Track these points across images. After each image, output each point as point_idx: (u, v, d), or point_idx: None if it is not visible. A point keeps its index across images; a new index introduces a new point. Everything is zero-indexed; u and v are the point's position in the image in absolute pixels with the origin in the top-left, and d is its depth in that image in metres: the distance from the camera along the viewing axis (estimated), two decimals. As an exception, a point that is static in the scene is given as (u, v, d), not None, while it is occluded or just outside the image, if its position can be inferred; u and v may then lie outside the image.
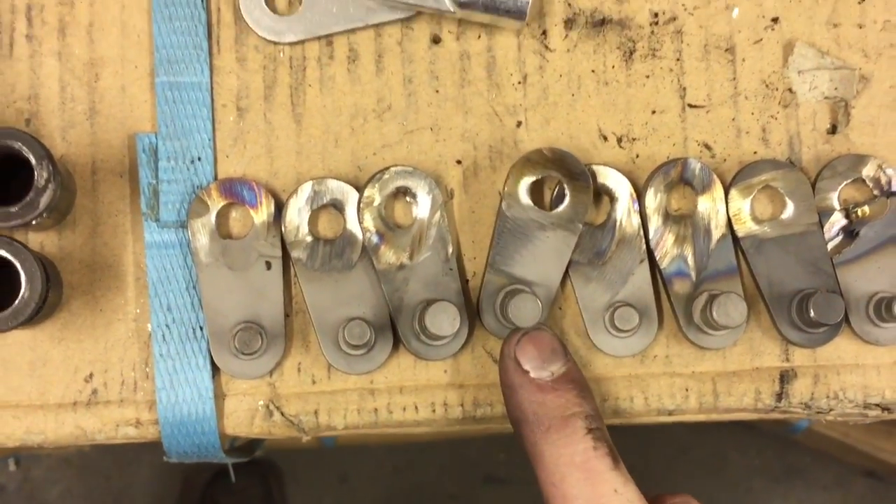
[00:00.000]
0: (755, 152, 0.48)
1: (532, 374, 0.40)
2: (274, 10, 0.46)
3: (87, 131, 0.45)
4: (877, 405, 0.48)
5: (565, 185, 0.45)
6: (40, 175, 0.39)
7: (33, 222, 0.40)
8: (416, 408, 0.46)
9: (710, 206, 0.47)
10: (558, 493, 0.38)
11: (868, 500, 1.23)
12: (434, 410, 0.46)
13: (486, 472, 1.19)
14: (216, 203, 0.45)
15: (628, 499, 0.38)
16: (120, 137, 0.45)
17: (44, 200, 0.39)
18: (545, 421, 0.39)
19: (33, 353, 0.44)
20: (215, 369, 0.45)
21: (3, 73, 0.45)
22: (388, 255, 0.45)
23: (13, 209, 0.39)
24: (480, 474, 1.19)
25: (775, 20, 0.49)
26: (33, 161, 0.39)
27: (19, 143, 0.39)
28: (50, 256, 0.44)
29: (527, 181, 0.45)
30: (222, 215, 0.45)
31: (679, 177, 0.47)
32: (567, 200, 0.45)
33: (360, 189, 0.46)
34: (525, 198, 0.45)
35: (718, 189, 0.47)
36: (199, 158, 0.45)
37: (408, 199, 0.46)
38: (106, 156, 0.45)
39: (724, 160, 0.48)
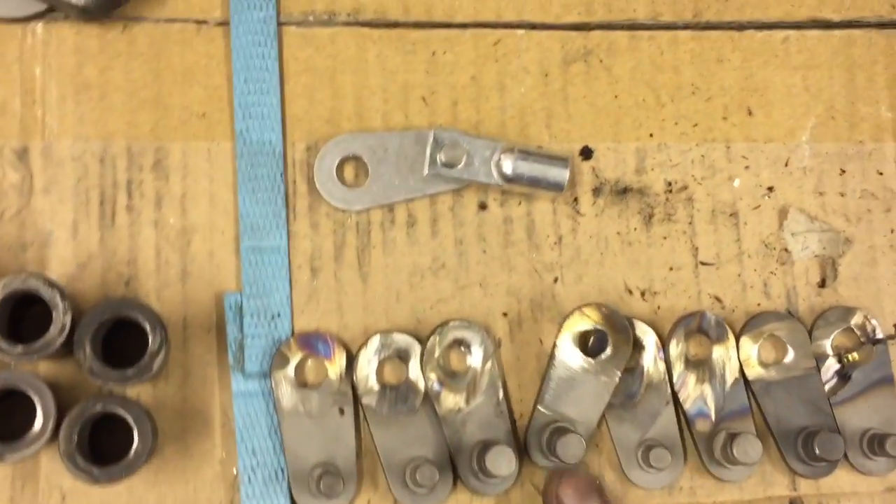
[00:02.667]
0: (759, 304, 0.55)
1: None
2: (343, 182, 0.52)
3: (179, 291, 0.50)
4: (871, 526, 0.54)
5: (608, 337, 0.52)
6: (154, 341, 0.43)
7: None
8: (471, 537, 0.51)
9: (724, 353, 0.53)
10: None
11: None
12: (487, 539, 0.51)
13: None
14: (295, 355, 0.50)
15: None
16: (208, 296, 0.50)
17: (157, 364, 0.43)
18: None
19: (130, 496, 0.48)
20: (291, 505, 0.49)
21: (106, 241, 0.50)
22: (448, 401, 0.50)
23: (129, 372, 0.43)
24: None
25: (770, 189, 0.56)
26: (148, 328, 0.43)
27: (136, 313, 0.43)
28: (146, 406, 0.48)
29: (576, 331, 0.51)
30: (300, 366, 0.50)
31: (697, 328, 0.53)
32: (610, 350, 0.51)
33: (420, 340, 0.51)
34: (574, 345, 0.51)
35: (730, 339, 0.53)
36: (279, 314, 0.50)
37: (462, 349, 0.52)
38: (196, 313, 0.50)
39: (733, 311, 0.55)
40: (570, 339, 0.51)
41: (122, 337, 0.46)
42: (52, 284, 0.43)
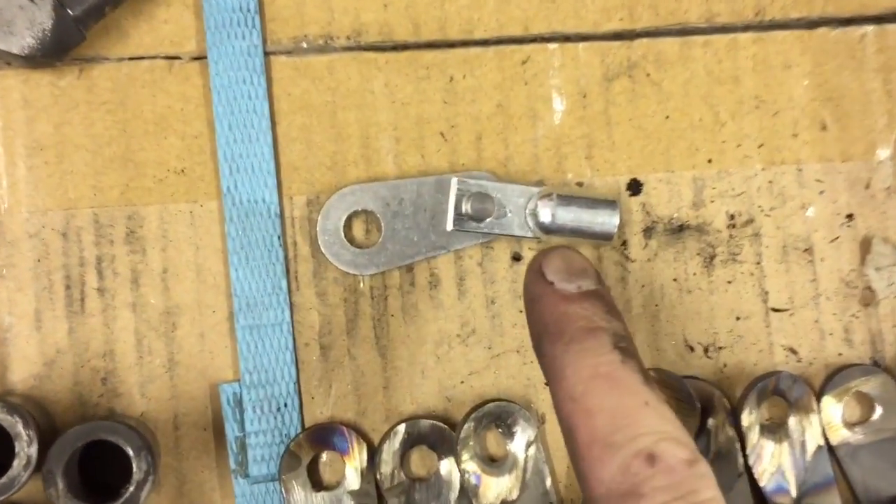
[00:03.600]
0: (840, 353, 0.47)
1: (557, 286, 0.34)
2: (353, 242, 0.44)
3: (167, 384, 0.43)
4: None
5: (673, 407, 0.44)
6: (139, 469, 0.36)
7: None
8: None
9: (803, 417, 0.45)
10: (579, 408, 0.31)
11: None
12: None
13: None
14: (307, 453, 0.42)
15: (661, 413, 0.31)
16: (201, 388, 0.43)
17: (142, 493, 0.36)
18: (568, 332, 0.33)
19: None
20: None
21: (76, 331, 0.42)
22: (488, 495, 0.43)
23: (113, 508, 0.36)
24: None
25: (850, 217, 0.48)
26: (132, 454, 0.36)
27: (116, 436, 0.36)
28: (135, 522, 0.41)
29: None
30: (314, 465, 0.42)
31: (773, 390, 0.46)
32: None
33: (451, 423, 0.44)
34: None
35: (811, 400, 0.46)
36: (286, 405, 0.43)
37: (500, 430, 0.44)
38: (188, 409, 0.43)
39: (811, 363, 0.47)
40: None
41: (101, 451, 0.39)
42: (12, 409, 0.36)
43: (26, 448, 0.35)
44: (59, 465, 0.35)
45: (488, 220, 0.43)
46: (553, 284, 0.34)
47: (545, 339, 0.34)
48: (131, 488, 0.36)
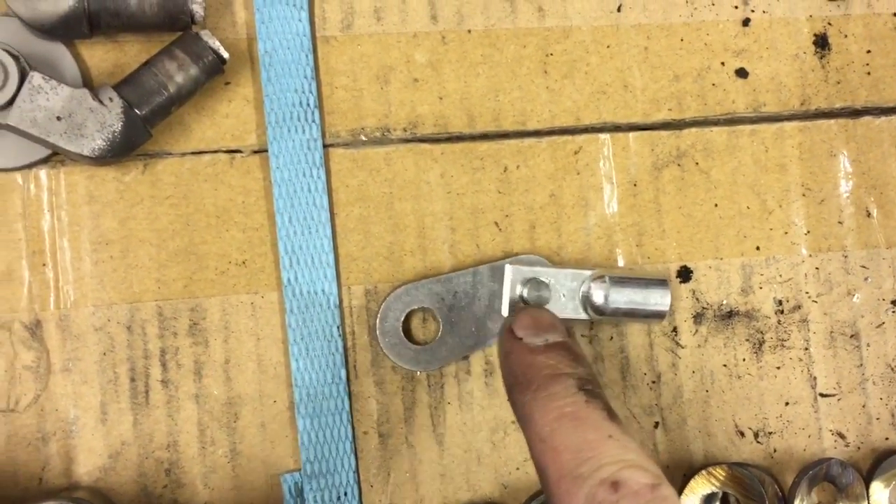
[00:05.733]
0: (887, 438, 0.47)
1: (525, 340, 0.37)
2: (410, 336, 0.44)
3: (229, 475, 0.43)
4: None
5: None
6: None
7: None
8: None
9: (853, 503, 0.46)
10: (547, 447, 0.33)
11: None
12: None
13: None
14: (367, 543, 0.43)
15: (624, 444, 0.32)
16: (262, 478, 0.43)
17: None
18: (535, 380, 0.35)
19: None
20: None
21: (141, 423, 0.42)
22: (545, 584, 0.44)
23: None
24: None
25: (894, 303, 0.49)
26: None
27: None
28: None
29: (703, 492, 0.44)
30: (374, 555, 0.43)
31: (823, 477, 0.46)
32: None
33: (507, 510, 0.44)
34: None
35: (860, 486, 0.46)
36: (346, 493, 0.43)
37: (557, 518, 0.45)
38: (250, 499, 0.43)
39: (858, 448, 0.47)
40: (698, 499, 0.44)
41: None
42: (83, 511, 0.36)
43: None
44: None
45: (546, 305, 0.44)
46: (522, 339, 0.37)
47: (515, 388, 0.36)
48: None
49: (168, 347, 0.42)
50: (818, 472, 0.45)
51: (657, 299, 0.44)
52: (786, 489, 0.45)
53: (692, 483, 0.44)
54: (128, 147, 0.40)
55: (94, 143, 0.40)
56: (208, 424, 0.42)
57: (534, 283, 0.44)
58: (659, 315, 0.44)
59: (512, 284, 0.44)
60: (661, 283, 0.44)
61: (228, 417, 0.43)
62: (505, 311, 0.44)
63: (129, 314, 0.42)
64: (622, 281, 0.44)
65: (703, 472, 0.44)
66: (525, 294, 0.43)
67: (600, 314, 0.44)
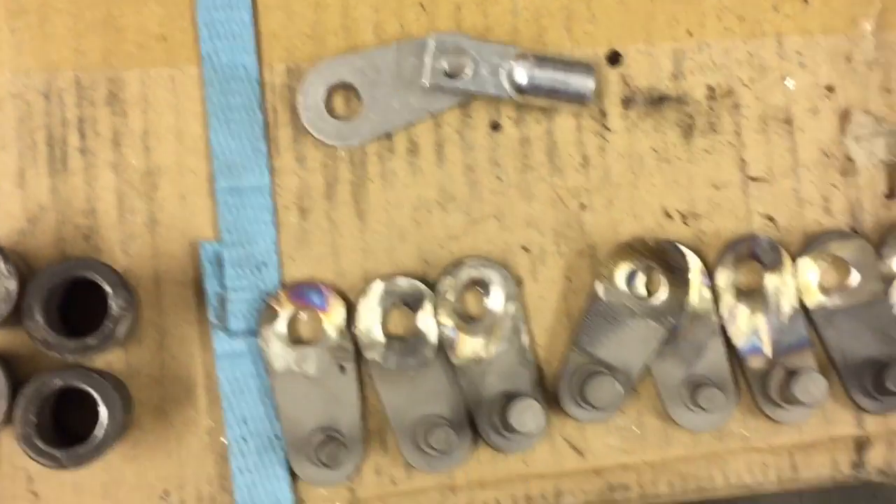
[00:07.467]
0: (818, 222, 0.46)
1: None
2: (334, 114, 0.44)
3: (148, 243, 0.43)
4: (951, 467, 0.47)
5: (662, 277, 0.44)
6: (117, 305, 0.36)
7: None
8: (498, 502, 0.44)
9: (779, 280, 0.45)
10: None
11: None
12: (515, 503, 0.45)
13: None
14: (286, 309, 0.42)
15: None
16: (182, 247, 0.43)
17: (120, 330, 0.36)
18: None
19: (106, 474, 0.41)
20: (293, 476, 0.43)
21: (59, 189, 0.42)
22: (465, 350, 0.43)
23: (91, 342, 0.36)
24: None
25: (830, 89, 0.47)
26: (109, 291, 0.36)
27: (94, 273, 0.36)
28: (118, 373, 0.41)
29: (625, 267, 0.43)
30: (292, 321, 0.42)
31: (748, 253, 0.45)
32: (664, 294, 0.43)
33: (429, 283, 0.44)
34: (621, 283, 0.43)
35: (787, 263, 0.45)
36: (265, 264, 0.43)
37: (480, 290, 0.44)
38: (169, 266, 0.43)
39: (789, 231, 0.46)
40: (621, 276, 0.44)
41: (85, 299, 0.39)
42: (-10, 246, 0.36)
43: (5, 281, 0.36)
44: (37, 300, 0.36)
45: (464, 76, 0.43)
46: None
47: None
48: (108, 323, 0.36)
49: (86, 116, 0.42)
50: (742, 246, 0.44)
51: (580, 81, 0.43)
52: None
53: (614, 255, 0.43)
54: None
55: None
56: (127, 193, 0.42)
57: (455, 51, 0.43)
58: (582, 97, 0.43)
59: (434, 56, 0.43)
60: (586, 66, 0.43)
61: (147, 187, 0.43)
62: (426, 80, 0.43)
63: (46, 82, 0.42)
64: (547, 60, 0.43)
65: (625, 244, 0.43)
66: (446, 66, 0.43)
67: (522, 92, 0.43)
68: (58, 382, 0.36)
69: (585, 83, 0.43)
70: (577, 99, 0.43)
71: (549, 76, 0.43)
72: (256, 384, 0.42)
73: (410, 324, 0.43)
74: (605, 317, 0.43)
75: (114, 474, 0.42)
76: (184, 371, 0.42)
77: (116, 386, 0.38)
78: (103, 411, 0.36)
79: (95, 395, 0.36)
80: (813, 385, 0.42)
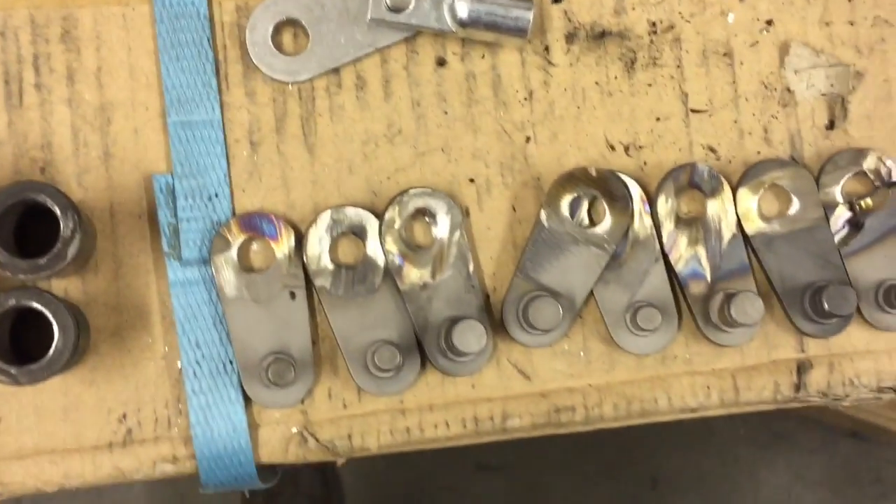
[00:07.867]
0: (759, 152, 0.48)
1: None
2: (282, 50, 0.45)
3: (103, 175, 0.44)
4: (890, 388, 0.47)
5: (605, 206, 0.45)
6: (66, 226, 0.38)
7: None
8: (447, 424, 0.46)
9: (720, 207, 0.46)
10: None
11: (854, 461, 1.22)
12: (465, 426, 0.46)
13: (477, 461, 1.18)
14: (237, 238, 0.44)
15: None
16: (136, 179, 0.44)
17: (71, 251, 0.38)
18: None
19: (65, 398, 0.43)
20: (247, 400, 0.44)
21: (15, 124, 0.43)
22: (412, 276, 0.45)
23: (42, 261, 0.37)
24: (472, 463, 1.17)
25: (769, 22, 0.48)
26: (58, 212, 0.38)
27: (43, 196, 0.38)
28: (75, 301, 0.43)
29: (568, 196, 0.45)
30: (244, 250, 0.44)
31: (688, 181, 0.46)
32: (606, 221, 0.44)
33: (377, 214, 0.45)
34: (565, 211, 0.44)
35: (726, 191, 0.46)
36: (217, 195, 0.44)
37: (427, 219, 0.45)
38: (123, 198, 0.44)
39: (730, 161, 0.48)
40: (564, 204, 0.45)
41: (40, 230, 0.41)
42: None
43: (-44, 206, 0.37)
44: (-11, 222, 0.37)
45: (407, 10, 0.44)
46: None
47: None
48: (59, 244, 0.38)
49: (41, 53, 0.44)
50: (681, 173, 0.45)
51: (519, 14, 0.44)
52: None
53: (558, 184, 0.44)
54: None
55: None
56: (81, 128, 0.44)
57: (398, -12, 0.44)
58: (521, 31, 0.44)
59: (378, -7, 0.44)
60: (526, 0, 0.45)
61: (101, 122, 0.44)
62: (369, 16, 0.44)
63: (2, 21, 0.43)
64: (488, -5, 0.45)
65: (569, 174, 0.44)
66: (389, 0, 0.44)
67: (463, 26, 0.44)
68: (11, 301, 0.37)
69: (524, 15, 0.44)
70: (517, 32, 0.44)
71: (489, 9, 0.44)
72: (209, 311, 0.43)
73: (359, 252, 0.44)
74: (549, 244, 0.45)
75: (73, 398, 0.43)
76: (139, 299, 0.44)
77: (70, 309, 0.39)
78: (56, 330, 0.38)
79: (48, 313, 0.38)
80: (750, 305, 0.43)
